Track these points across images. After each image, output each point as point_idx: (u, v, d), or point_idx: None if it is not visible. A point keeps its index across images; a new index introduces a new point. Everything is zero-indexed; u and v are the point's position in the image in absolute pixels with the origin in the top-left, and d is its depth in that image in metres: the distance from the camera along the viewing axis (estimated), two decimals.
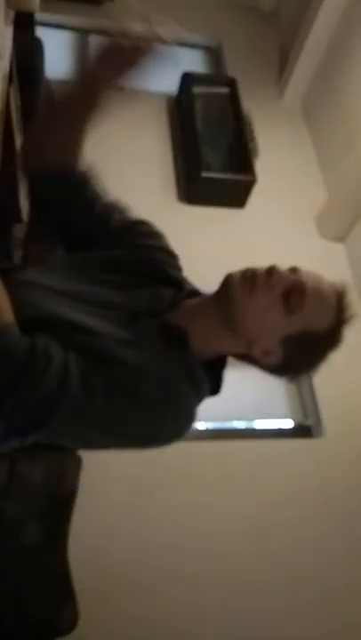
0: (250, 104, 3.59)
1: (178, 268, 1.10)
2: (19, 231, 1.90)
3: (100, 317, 0.93)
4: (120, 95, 0.93)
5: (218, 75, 4.00)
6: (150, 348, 0.90)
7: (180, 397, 0.89)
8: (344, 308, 0.94)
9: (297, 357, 0.96)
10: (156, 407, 0.86)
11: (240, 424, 2.74)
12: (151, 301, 1.00)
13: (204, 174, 3.17)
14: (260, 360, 0.96)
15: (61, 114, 0.99)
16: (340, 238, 3.35)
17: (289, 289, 0.91)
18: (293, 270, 0.95)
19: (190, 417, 0.91)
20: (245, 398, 2.75)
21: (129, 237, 1.06)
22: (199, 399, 0.95)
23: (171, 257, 1.09)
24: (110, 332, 0.91)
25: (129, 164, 3.13)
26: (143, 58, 0.92)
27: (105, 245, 1.06)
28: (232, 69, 3.89)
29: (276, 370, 0.99)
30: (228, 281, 0.94)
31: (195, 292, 1.04)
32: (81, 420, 0.82)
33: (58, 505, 1.57)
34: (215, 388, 0.99)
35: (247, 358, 0.99)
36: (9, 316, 0.82)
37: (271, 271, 0.92)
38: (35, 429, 0.81)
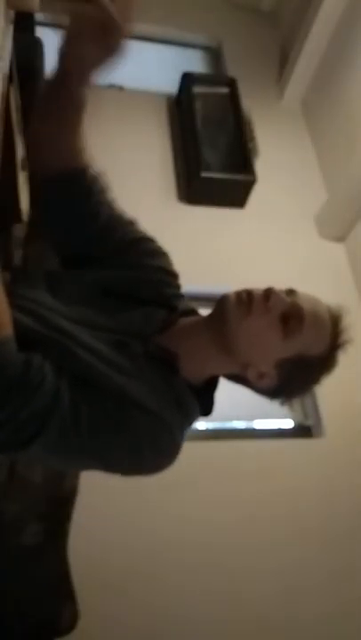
0: (250, 104, 3.59)
1: (175, 287, 1.07)
2: (19, 231, 1.89)
3: (92, 337, 0.91)
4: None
5: (218, 75, 4.00)
6: (139, 374, 0.88)
7: (167, 429, 0.87)
8: (340, 332, 0.92)
9: (292, 381, 0.94)
10: (141, 438, 0.84)
11: (240, 424, 2.74)
12: (143, 323, 0.97)
13: (204, 174, 3.17)
14: (254, 383, 0.94)
15: (48, 114, 0.94)
16: (340, 238, 3.35)
17: (287, 312, 0.89)
18: (290, 292, 0.93)
19: (177, 447, 0.90)
20: (245, 398, 2.74)
21: (131, 255, 1.03)
22: (188, 425, 0.93)
23: (170, 276, 1.06)
24: (102, 351, 0.89)
25: (129, 164, 3.14)
26: (115, 34, 0.82)
27: (104, 261, 1.03)
28: (232, 69, 3.89)
29: (269, 393, 0.97)
30: (223, 302, 0.91)
31: (190, 311, 1.02)
32: (66, 442, 0.81)
33: (58, 505, 1.57)
34: (206, 410, 0.97)
35: (240, 379, 0.97)
36: (8, 329, 0.81)
37: (269, 293, 0.89)
38: (20, 446, 0.79)
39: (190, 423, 0.94)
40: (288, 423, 2.79)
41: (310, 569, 2.37)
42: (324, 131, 3.71)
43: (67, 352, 0.87)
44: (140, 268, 1.03)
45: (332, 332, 0.92)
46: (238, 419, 2.73)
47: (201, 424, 2.63)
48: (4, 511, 1.48)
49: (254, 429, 2.76)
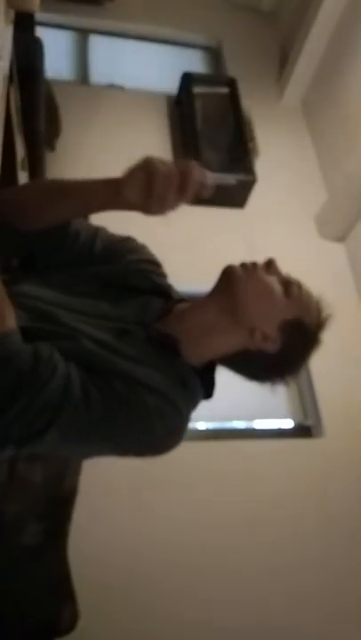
0: (250, 104, 3.59)
1: (163, 276, 1.12)
2: None
3: (94, 326, 0.94)
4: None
5: (218, 75, 4.01)
6: (142, 359, 0.91)
7: (174, 406, 0.89)
8: (323, 309, 1.02)
9: (291, 346, 0.99)
10: (151, 416, 0.86)
11: (240, 424, 2.74)
12: (141, 312, 1.01)
13: None
14: (260, 347, 0.97)
15: (73, 193, 0.97)
16: (341, 238, 3.35)
17: (286, 279, 1.00)
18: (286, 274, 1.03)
19: (184, 425, 0.92)
20: (245, 398, 2.74)
21: (115, 257, 1.07)
22: (193, 405, 0.96)
23: (155, 266, 1.11)
24: (105, 340, 0.91)
25: (129, 163, 3.13)
26: (181, 198, 0.91)
27: (91, 264, 1.07)
28: (232, 69, 3.89)
29: (270, 363, 1.00)
30: (228, 270, 0.99)
31: (183, 299, 1.07)
32: (79, 429, 0.82)
33: (58, 505, 1.57)
34: (208, 392, 1.00)
35: (241, 357, 0.99)
36: (12, 322, 0.83)
37: (270, 262, 1.00)
38: (34, 438, 0.80)
39: (195, 403, 0.97)
40: (288, 423, 2.79)
41: (310, 570, 2.37)
42: (324, 130, 3.71)
43: (70, 343, 0.88)
44: (127, 264, 1.07)
45: (318, 307, 1.01)
46: (238, 419, 2.73)
47: (201, 424, 2.64)
48: (4, 511, 1.48)
49: (254, 429, 2.76)
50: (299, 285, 0.99)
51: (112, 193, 0.91)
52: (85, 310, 0.97)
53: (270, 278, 0.98)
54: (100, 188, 0.93)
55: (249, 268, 0.98)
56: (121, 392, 0.85)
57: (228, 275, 0.98)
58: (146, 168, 0.88)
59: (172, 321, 0.99)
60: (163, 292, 1.07)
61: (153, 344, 0.95)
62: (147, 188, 0.88)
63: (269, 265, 0.99)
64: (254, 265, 0.99)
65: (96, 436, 0.85)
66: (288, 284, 0.99)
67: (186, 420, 0.93)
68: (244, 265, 0.99)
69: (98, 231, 1.08)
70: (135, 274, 1.06)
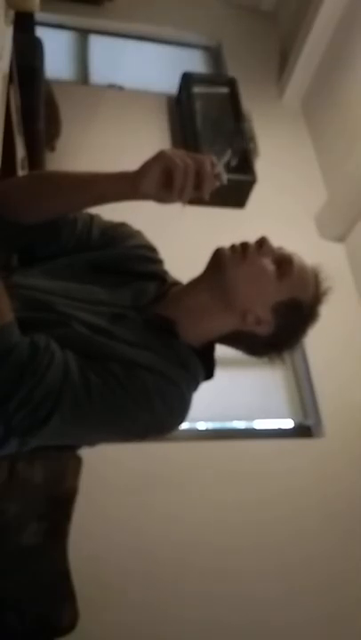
0: (250, 104, 3.59)
1: (159, 262, 1.12)
2: None
3: (89, 312, 0.95)
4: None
5: (218, 75, 4.01)
6: (139, 341, 0.92)
7: (175, 385, 0.90)
8: (321, 281, 1.01)
9: (286, 327, 0.99)
10: (150, 398, 0.87)
11: (240, 424, 2.74)
12: (137, 297, 1.02)
13: None
14: (253, 330, 0.97)
15: (84, 187, 0.97)
16: (341, 238, 3.35)
17: (279, 257, 0.98)
18: (279, 248, 1.02)
19: (186, 404, 0.93)
20: (245, 398, 2.74)
21: (112, 243, 1.07)
22: (195, 385, 0.96)
23: (151, 251, 1.11)
24: (101, 325, 0.92)
25: (129, 164, 3.12)
26: (198, 192, 0.92)
27: (88, 251, 1.07)
28: (232, 69, 3.89)
29: (265, 343, 1.00)
30: (218, 253, 0.97)
31: (177, 283, 1.08)
32: (81, 414, 0.83)
33: (58, 505, 1.57)
34: (209, 373, 1.00)
35: (237, 337, 1.00)
36: (8, 315, 0.83)
37: (262, 242, 0.98)
38: (37, 427, 0.81)
39: (197, 382, 0.97)
40: (288, 423, 2.79)
41: (310, 569, 2.37)
42: (324, 130, 3.71)
43: (65, 330, 0.89)
44: (122, 249, 1.07)
45: (315, 280, 1.00)
46: (238, 419, 2.73)
47: (201, 424, 2.64)
48: (4, 511, 1.49)
49: (254, 429, 2.76)
50: (292, 262, 0.97)
51: (127, 186, 0.91)
52: (81, 296, 0.98)
53: (262, 261, 0.96)
54: (114, 182, 0.93)
55: (238, 252, 0.96)
56: (119, 375, 0.85)
57: (216, 259, 0.97)
58: (162, 161, 0.88)
59: (167, 304, 1.00)
60: (159, 276, 1.08)
61: (150, 327, 0.96)
62: (163, 181, 0.89)
63: (261, 244, 0.97)
64: (245, 247, 0.96)
65: (98, 420, 0.86)
66: (281, 263, 0.97)
67: (187, 399, 0.93)
68: (233, 248, 0.97)
69: (93, 218, 1.08)
70: (133, 259, 1.07)
